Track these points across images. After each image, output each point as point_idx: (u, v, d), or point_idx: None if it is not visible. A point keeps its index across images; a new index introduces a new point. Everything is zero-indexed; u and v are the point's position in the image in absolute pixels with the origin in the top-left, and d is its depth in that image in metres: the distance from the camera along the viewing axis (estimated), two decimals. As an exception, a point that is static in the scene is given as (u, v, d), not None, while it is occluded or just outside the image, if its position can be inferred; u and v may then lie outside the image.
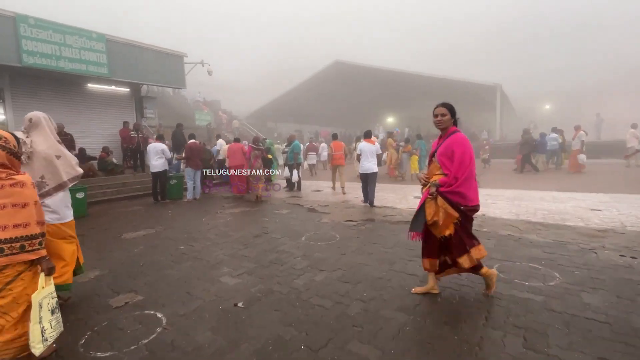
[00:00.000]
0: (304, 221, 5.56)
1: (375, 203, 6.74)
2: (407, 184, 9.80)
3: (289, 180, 9.30)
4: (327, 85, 29.06)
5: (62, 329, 2.10)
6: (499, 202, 6.49)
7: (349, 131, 33.65)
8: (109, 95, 10.38)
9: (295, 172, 9.03)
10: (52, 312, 1.99)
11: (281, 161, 12.53)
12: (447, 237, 2.56)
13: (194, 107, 30.50)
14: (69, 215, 2.79)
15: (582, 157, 10.56)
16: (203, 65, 12.82)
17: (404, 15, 58.72)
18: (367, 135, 7.13)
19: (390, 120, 36.88)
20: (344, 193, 8.24)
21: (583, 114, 25.08)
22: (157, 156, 7.91)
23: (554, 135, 11.68)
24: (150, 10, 53.92)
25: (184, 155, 8.21)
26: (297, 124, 37.07)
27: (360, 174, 6.89)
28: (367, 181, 6.67)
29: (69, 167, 2.68)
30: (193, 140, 8.32)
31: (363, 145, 6.81)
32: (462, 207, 2.49)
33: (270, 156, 11.26)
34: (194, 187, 8.38)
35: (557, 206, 5.86)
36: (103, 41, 9.02)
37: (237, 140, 9.50)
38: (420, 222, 2.63)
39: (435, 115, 2.63)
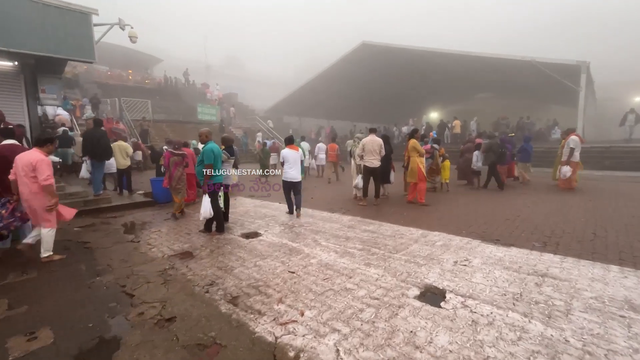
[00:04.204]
0: None
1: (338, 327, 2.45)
2: (444, 226, 5.19)
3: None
4: (354, 74, 24.39)
5: None
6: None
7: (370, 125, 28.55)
8: (-24, 70, 7.10)
9: (206, 201, 4.88)
10: None
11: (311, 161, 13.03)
12: None
13: (201, 94, 27.47)
14: None
15: (565, 169, 8.20)
16: (123, 28, 8.94)
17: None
18: (290, 142, 6.31)
19: (433, 115, 31.24)
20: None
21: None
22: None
23: None
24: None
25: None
26: (323, 119, 32.93)
27: (284, 182, 6.12)
28: (294, 191, 6.12)
29: None
30: (8, 142, 4.49)
31: (286, 152, 6.04)
32: None
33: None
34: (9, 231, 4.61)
35: None
36: None
37: (186, 145, 7.65)
38: None
39: None
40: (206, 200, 4.83)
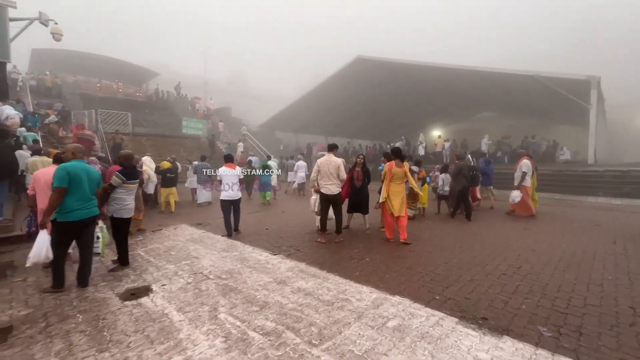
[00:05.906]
0: None
1: None
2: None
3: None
4: (350, 90, 23.26)
5: None
6: None
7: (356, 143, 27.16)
8: None
9: (41, 239, 3.39)
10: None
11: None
12: None
13: (192, 104, 26.64)
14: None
15: (514, 194, 7.64)
16: (46, 24, 7.67)
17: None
18: (228, 159, 6.03)
19: (435, 134, 29.86)
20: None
21: None
22: None
23: None
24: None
25: None
26: (320, 136, 31.73)
27: (222, 201, 5.72)
28: (234, 208, 5.85)
29: None
30: None
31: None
32: None
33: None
34: None
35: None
36: None
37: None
38: None
39: None
40: (41, 238, 3.37)
